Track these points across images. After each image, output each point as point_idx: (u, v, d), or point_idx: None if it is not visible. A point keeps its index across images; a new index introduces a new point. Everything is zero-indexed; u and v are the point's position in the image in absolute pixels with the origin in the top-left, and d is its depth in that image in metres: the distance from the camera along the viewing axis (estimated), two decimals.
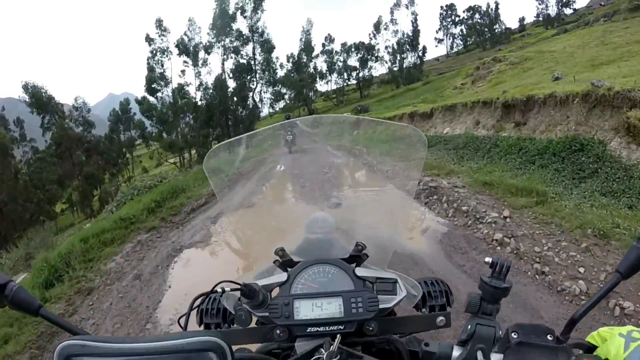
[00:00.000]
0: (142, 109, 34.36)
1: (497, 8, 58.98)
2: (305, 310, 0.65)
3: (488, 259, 0.58)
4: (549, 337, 0.51)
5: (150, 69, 34.24)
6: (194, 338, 0.43)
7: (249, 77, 38.12)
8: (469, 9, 61.35)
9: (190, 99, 35.59)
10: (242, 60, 37.70)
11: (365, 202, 0.92)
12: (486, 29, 59.01)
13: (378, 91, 52.89)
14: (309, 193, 1.02)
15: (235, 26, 36.46)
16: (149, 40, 33.79)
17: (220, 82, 35.47)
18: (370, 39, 53.56)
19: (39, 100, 32.16)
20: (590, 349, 0.55)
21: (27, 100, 31.80)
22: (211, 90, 35.50)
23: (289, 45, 64.52)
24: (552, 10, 55.90)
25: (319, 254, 0.75)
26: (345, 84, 56.36)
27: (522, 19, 62.80)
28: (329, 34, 61.09)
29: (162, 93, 35.04)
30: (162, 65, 34.84)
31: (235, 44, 36.87)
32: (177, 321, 0.64)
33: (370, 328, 0.64)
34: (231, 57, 37.17)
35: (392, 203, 0.89)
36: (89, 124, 38.92)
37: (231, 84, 37.29)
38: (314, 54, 52.06)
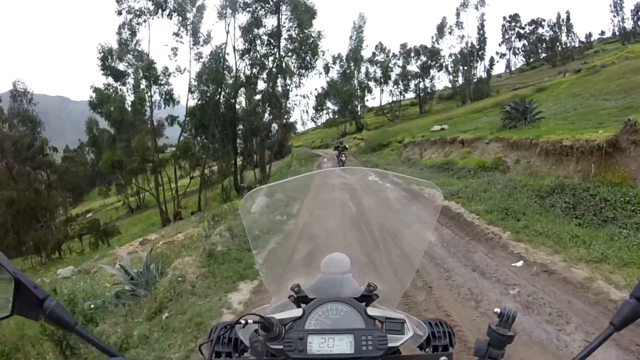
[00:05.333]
0: (94, 101, 21.98)
1: (568, 19, 52.55)
2: (317, 345, 0.68)
3: (497, 310, 0.63)
4: None
5: (123, 43, 21.72)
6: None
7: (270, 59, 23.65)
8: (532, 22, 55.28)
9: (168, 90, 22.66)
10: (259, 31, 22.70)
11: (381, 244, 0.98)
12: (555, 44, 52.00)
13: (440, 107, 43.34)
14: (327, 232, 1.07)
15: None
16: None
17: (218, 60, 22.07)
18: (433, 43, 44.21)
19: None
20: None
21: None
22: (205, 77, 22.76)
23: (334, 45, 56.73)
24: (628, 24, 50.22)
25: (332, 292, 0.79)
26: (401, 97, 46.95)
27: (588, 35, 57.00)
28: (380, 43, 48.82)
29: (132, 77, 22.36)
30: (134, 35, 21.76)
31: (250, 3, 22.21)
32: (199, 348, 0.70)
33: None
34: (240, 26, 22.55)
35: (407, 246, 0.96)
36: (33, 122, 24.73)
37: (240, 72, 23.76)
38: (363, 60, 44.02)
